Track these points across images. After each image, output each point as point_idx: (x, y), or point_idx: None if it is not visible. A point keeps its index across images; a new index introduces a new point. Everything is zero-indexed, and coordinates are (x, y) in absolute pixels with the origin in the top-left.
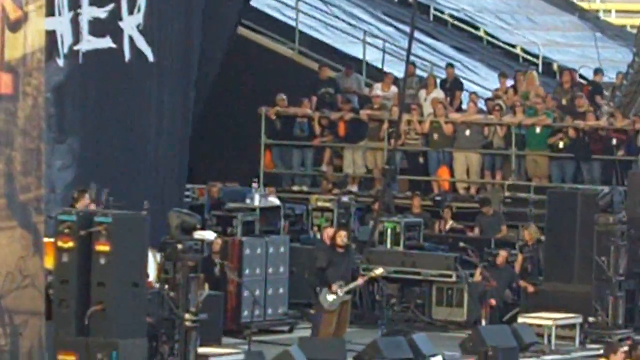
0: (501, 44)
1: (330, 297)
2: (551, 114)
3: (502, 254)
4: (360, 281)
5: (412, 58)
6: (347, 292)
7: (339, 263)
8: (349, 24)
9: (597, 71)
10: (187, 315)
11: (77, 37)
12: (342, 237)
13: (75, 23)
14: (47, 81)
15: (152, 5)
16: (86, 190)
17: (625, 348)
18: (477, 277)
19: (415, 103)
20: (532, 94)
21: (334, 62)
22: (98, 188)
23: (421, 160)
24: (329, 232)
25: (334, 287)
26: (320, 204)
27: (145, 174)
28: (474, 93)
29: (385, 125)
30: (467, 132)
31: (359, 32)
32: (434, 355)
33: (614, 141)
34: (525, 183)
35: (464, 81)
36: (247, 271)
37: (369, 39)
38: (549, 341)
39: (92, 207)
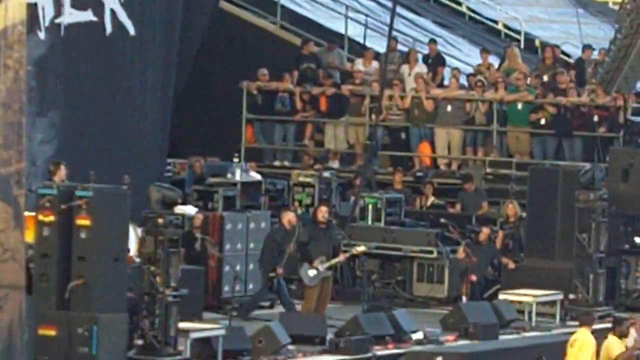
0: (483, 20)
1: (312, 273)
2: (533, 91)
3: (485, 230)
4: (341, 257)
5: (394, 33)
6: (328, 268)
7: (320, 239)
8: None
9: (586, 47)
10: (167, 290)
11: (58, 10)
12: (323, 213)
13: None
14: (29, 54)
15: None
16: (61, 162)
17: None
18: (461, 254)
19: (397, 78)
20: (515, 73)
21: (316, 37)
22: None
23: (403, 135)
24: (289, 216)
25: (315, 262)
26: (301, 179)
27: (127, 148)
28: (456, 69)
29: (367, 101)
30: (449, 108)
31: (341, 6)
32: (414, 332)
33: (596, 118)
34: (506, 159)
35: (446, 57)
36: (228, 246)
37: (351, 14)
38: (530, 318)
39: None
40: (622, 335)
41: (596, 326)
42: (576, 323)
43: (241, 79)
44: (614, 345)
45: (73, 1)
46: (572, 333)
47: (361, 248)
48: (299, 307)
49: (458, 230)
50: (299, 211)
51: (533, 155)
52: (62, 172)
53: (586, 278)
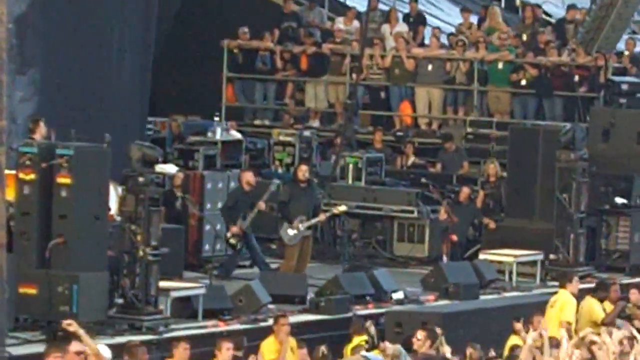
0: None
1: (292, 232)
2: (514, 50)
3: (465, 190)
4: (322, 217)
5: None
6: (309, 228)
7: (300, 198)
8: None
9: (570, 7)
10: (148, 249)
11: None
12: (303, 172)
13: None
14: (9, 12)
15: None
16: (40, 119)
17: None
18: (442, 214)
19: (378, 37)
20: (496, 33)
21: None
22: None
23: (383, 95)
24: (247, 176)
25: (295, 221)
26: (282, 138)
27: (107, 106)
28: (437, 28)
29: (348, 60)
30: (430, 68)
31: None
32: (395, 291)
33: (577, 78)
34: (487, 119)
35: (427, 16)
36: (208, 205)
37: None
38: (510, 278)
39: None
40: (603, 299)
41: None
42: (556, 283)
43: (222, 37)
44: (595, 307)
45: None
46: (552, 293)
47: (342, 208)
48: (277, 266)
49: (439, 190)
50: (280, 170)
51: (514, 115)
52: (42, 129)
53: (567, 238)
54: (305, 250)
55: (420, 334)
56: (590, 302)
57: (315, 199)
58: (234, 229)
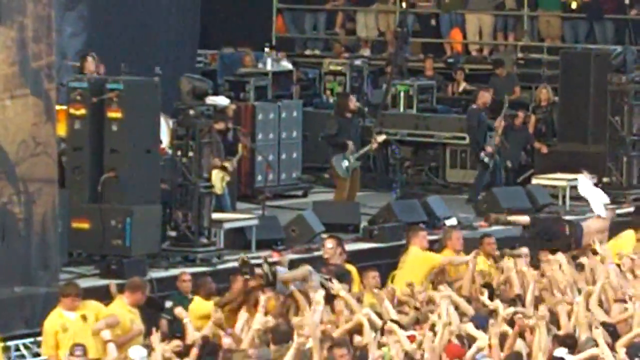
0: None
1: (344, 164)
2: None
3: (520, 114)
4: (369, 147)
5: None
6: (358, 158)
7: (349, 129)
8: None
9: None
10: (200, 181)
11: None
12: (354, 102)
13: None
14: None
15: None
16: (88, 54)
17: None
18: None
19: None
20: None
21: None
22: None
23: (433, 22)
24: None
25: (347, 153)
26: (332, 67)
27: (157, 40)
28: None
29: None
30: None
31: None
32: (448, 218)
33: (627, 0)
34: (538, 44)
35: None
36: (260, 136)
37: None
38: (564, 202)
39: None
40: None
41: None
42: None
43: None
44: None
45: None
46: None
47: (381, 137)
48: (330, 196)
49: (490, 116)
50: (331, 99)
51: (564, 39)
52: (91, 64)
53: (619, 161)
54: (355, 180)
55: (330, 242)
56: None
57: (364, 129)
58: (488, 149)
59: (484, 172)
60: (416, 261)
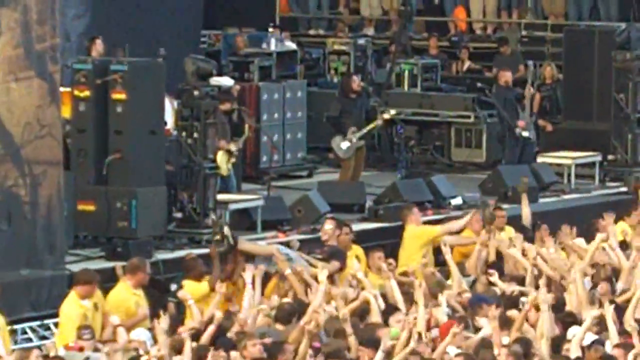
0: None
1: (345, 145)
2: None
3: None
4: (371, 125)
5: None
6: (361, 138)
7: (351, 110)
8: None
9: None
10: (205, 162)
11: None
12: (357, 83)
13: None
14: None
15: None
16: (96, 37)
17: None
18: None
19: None
20: None
21: None
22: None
23: (437, 0)
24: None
25: (348, 133)
26: (336, 47)
27: (160, 21)
28: None
29: None
30: None
31: None
32: (453, 197)
33: None
34: (542, 21)
35: None
36: (264, 116)
37: None
38: (569, 180)
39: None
40: None
41: None
42: (615, 184)
43: None
44: None
45: None
46: (612, 194)
47: (386, 115)
48: (335, 176)
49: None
50: (335, 79)
51: (568, 16)
52: (99, 46)
53: (624, 138)
54: (359, 159)
55: (330, 224)
56: None
57: (368, 107)
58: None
59: (515, 147)
60: (414, 237)
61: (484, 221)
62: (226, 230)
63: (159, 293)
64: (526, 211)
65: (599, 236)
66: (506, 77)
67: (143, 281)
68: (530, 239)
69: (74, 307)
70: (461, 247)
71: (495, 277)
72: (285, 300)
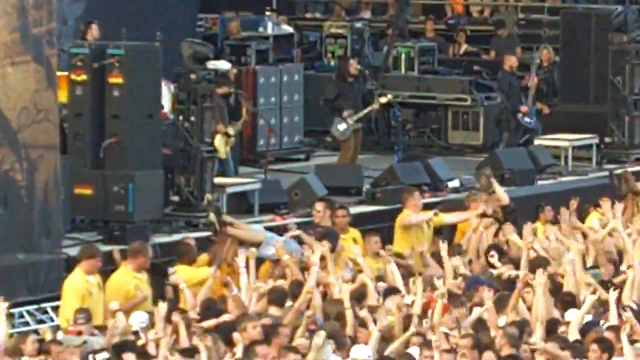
0: None
1: (342, 127)
2: None
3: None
4: (368, 109)
5: None
6: (358, 120)
7: (348, 93)
8: None
9: None
10: (202, 146)
11: None
12: (354, 66)
13: None
14: None
15: None
16: (92, 21)
17: None
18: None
19: None
20: None
21: None
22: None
23: None
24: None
25: (345, 115)
26: (333, 30)
27: (157, 4)
28: None
29: None
30: None
31: None
32: (451, 180)
33: None
34: (538, 4)
35: None
36: (261, 100)
37: None
38: (566, 162)
39: None
40: None
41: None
42: (611, 166)
43: None
44: None
45: None
46: (607, 177)
47: (384, 99)
48: (333, 159)
49: (491, 77)
50: (332, 62)
51: None
52: (94, 30)
53: (621, 120)
54: (357, 142)
55: (319, 206)
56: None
57: (365, 90)
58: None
59: (517, 132)
60: (397, 223)
61: (480, 189)
62: (211, 216)
63: (157, 276)
64: (499, 191)
65: (612, 222)
66: (511, 61)
67: (144, 264)
68: (514, 220)
69: (79, 281)
70: (461, 222)
71: (494, 259)
72: (280, 282)
